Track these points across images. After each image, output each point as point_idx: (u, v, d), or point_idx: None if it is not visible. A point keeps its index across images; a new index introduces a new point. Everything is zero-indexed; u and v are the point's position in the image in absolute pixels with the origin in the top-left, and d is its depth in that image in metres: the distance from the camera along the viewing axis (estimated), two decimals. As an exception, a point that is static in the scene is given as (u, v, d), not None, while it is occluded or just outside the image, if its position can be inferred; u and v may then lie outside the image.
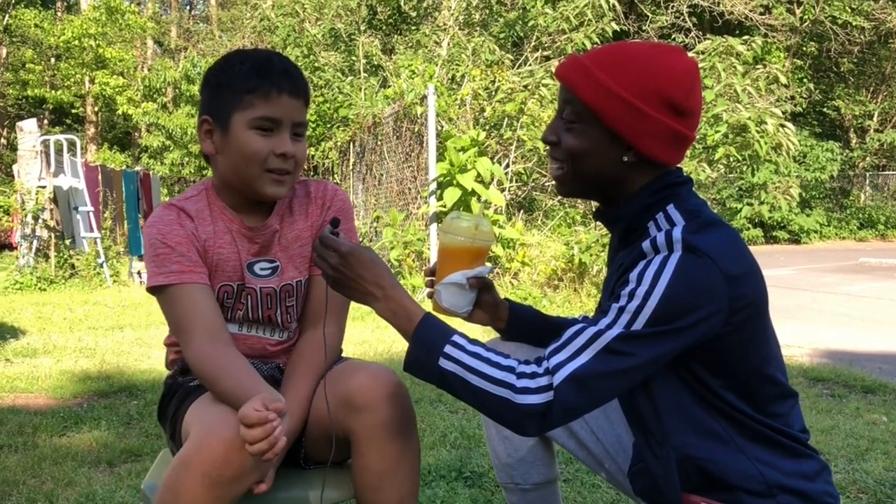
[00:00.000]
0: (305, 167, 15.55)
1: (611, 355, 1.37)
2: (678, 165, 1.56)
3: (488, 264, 1.79)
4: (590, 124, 1.49)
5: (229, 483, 1.51)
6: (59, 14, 29.47)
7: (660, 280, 1.37)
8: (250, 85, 1.70)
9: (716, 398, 1.47)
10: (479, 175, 8.50)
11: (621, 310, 1.39)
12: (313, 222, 1.91)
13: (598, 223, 8.65)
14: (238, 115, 1.71)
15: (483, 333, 5.12)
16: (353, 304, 1.82)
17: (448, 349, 1.44)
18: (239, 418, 1.42)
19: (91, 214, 11.40)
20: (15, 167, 12.77)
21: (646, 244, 1.44)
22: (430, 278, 1.79)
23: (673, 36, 19.03)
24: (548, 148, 1.59)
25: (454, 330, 1.48)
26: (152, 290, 1.75)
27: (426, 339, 1.46)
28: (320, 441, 1.77)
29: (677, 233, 1.41)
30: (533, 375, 1.39)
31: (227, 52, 1.83)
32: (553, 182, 1.65)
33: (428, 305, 1.72)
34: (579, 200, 9.52)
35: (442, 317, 1.59)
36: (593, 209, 1.75)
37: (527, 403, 1.37)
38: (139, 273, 11.38)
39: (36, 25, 25.88)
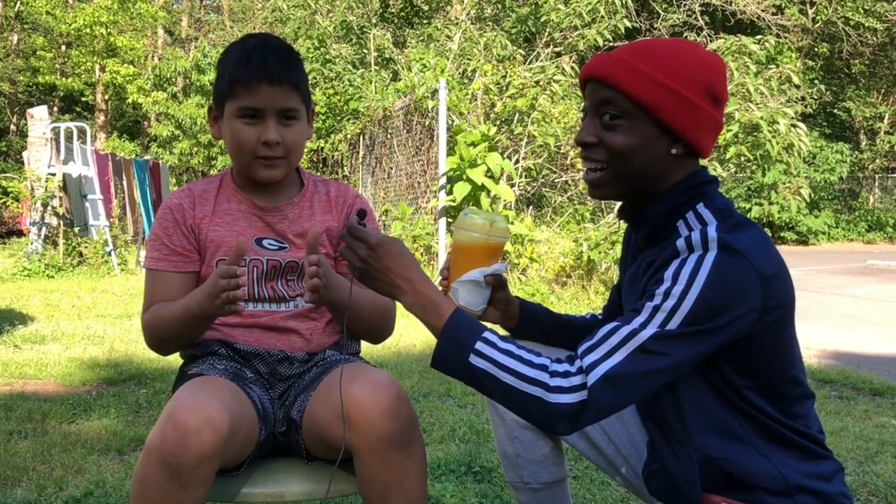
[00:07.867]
0: (315, 160, 15.43)
1: (645, 355, 1.36)
2: (703, 164, 1.56)
3: (503, 262, 1.77)
4: (637, 119, 1.48)
5: (191, 469, 1.50)
6: (70, 1, 29.50)
7: (696, 279, 1.36)
8: (236, 75, 1.76)
9: (740, 399, 1.46)
10: (488, 170, 8.49)
11: (656, 308, 1.37)
12: (325, 221, 1.95)
13: (609, 220, 8.64)
14: (228, 104, 1.79)
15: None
16: None
17: (479, 346, 1.41)
18: (216, 278, 1.62)
19: (100, 202, 11.43)
20: (25, 154, 12.82)
21: (680, 242, 1.42)
22: (443, 276, 1.76)
23: (685, 34, 18.96)
24: (581, 150, 1.56)
25: (484, 326, 1.45)
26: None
27: (456, 335, 1.43)
28: (320, 445, 1.75)
29: (712, 231, 1.40)
30: (566, 374, 1.37)
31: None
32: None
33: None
34: (590, 198, 9.44)
35: None
36: (614, 208, 1.74)
37: (560, 403, 1.35)
38: (146, 261, 11.41)
39: (47, 13, 25.93)
